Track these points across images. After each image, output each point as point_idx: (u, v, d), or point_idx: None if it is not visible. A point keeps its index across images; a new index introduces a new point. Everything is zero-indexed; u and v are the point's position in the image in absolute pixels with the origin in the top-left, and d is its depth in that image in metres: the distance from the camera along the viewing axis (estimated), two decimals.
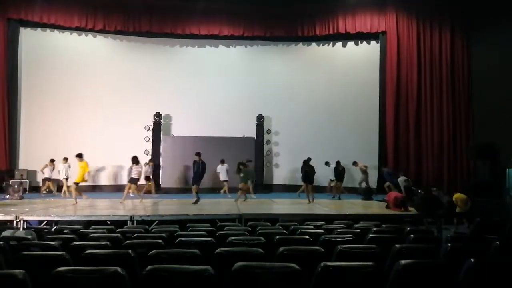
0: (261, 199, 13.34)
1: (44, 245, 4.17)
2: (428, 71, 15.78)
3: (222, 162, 14.69)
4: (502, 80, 13.39)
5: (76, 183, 11.30)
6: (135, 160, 11.94)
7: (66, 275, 2.60)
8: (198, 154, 11.77)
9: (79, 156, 11.28)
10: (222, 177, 14.61)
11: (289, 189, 15.89)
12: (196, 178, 11.68)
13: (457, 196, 10.55)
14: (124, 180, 15.22)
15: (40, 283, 2.73)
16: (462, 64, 15.60)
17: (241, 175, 12.64)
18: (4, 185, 13.69)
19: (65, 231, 5.94)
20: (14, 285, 2.46)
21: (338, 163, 14.01)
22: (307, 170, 12.43)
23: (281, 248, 3.62)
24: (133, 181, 11.94)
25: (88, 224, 7.68)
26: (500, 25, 13.91)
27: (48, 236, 5.03)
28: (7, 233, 5.31)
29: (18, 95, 15.80)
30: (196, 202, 11.34)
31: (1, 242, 4.10)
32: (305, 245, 4.20)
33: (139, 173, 12.17)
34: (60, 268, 2.64)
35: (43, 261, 3.35)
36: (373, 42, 16.77)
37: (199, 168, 11.60)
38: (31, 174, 15.42)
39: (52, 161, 14.30)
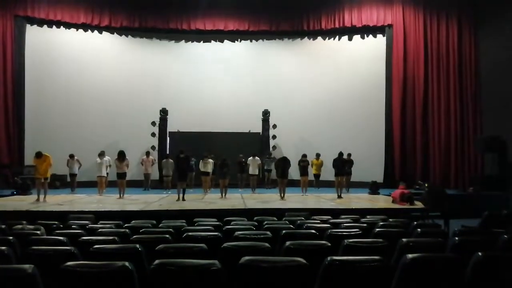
0: (268, 194, 13.33)
1: (52, 240, 4.20)
2: (435, 65, 15.62)
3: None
4: (510, 73, 13.22)
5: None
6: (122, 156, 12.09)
7: (75, 269, 2.62)
8: (182, 151, 11.95)
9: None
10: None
11: (294, 183, 15.84)
12: (182, 175, 11.71)
13: (314, 161, 14.69)
14: (128, 176, 15.16)
15: (49, 278, 2.76)
16: (470, 57, 15.39)
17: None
18: (12, 181, 13.84)
19: (73, 226, 5.98)
20: (24, 279, 2.49)
21: (340, 154, 12.70)
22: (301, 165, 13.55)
23: (288, 243, 3.61)
24: (124, 176, 12.13)
25: (96, 219, 7.72)
26: (508, 17, 13.71)
27: (57, 231, 5.07)
28: (16, 228, 5.35)
29: (25, 92, 15.87)
30: (183, 199, 11.37)
31: (11, 237, 4.15)
32: (311, 239, 4.19)
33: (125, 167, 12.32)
34: (69, 263, 2.67)
35: (51, 256, 3.38)
36: (379, 36, 16.63)
37: (183, 164, 11.75)
38: None
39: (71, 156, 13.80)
